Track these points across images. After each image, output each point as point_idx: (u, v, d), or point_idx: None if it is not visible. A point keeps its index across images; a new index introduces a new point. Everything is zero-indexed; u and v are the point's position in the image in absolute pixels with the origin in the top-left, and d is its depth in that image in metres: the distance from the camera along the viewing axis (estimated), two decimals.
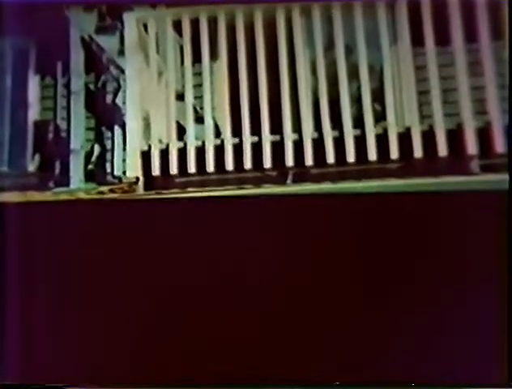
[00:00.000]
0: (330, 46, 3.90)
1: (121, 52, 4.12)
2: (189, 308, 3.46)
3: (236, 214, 3.49)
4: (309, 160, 3.78)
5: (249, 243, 3.49)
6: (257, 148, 3.83)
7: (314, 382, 3.31)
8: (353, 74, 3.85)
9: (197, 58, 4.06)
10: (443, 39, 3.85)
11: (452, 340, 3.34)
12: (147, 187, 3.89)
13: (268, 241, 3.50)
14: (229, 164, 3.83)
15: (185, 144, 3.91)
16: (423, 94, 3.81)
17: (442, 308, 3.38)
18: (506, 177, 3.43)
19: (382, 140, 3.75)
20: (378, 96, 3.81)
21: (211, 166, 3.85)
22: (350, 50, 3.88)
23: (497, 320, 3.23)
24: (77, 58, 4.19)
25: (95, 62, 4.20)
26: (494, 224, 3.32)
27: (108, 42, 4.18)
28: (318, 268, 3.46)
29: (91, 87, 4.18)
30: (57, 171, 4.02)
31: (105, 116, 4.07)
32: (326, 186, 3.68)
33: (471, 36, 3.81)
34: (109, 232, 3.59)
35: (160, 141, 3.95)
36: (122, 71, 4.11)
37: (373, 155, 3.73)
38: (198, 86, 4.02)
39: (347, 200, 3.51)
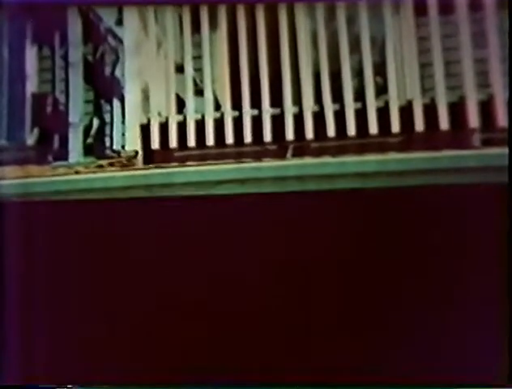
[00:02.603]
0: (331, 17, 4.02)
1: (120, 21, 4.25)
2: (188, 308, 3.58)
3: (235, 212, 3.61)
4: (309, 134, 3.94)
5: (248, 241, 3.61)
6: (257, 121, 3.99)
7: (314, 381, 3.44)
8: (355, 46, 3.98)
9: (196, 28, 4.19)
10: (447, 7, 3.95)
11: (452, 340, 3.44)
12: (146, 161, 4.06)
13: (268, 238, 3.62)
14: (229, 138, 4.00)
15: (185, 117, 4.07)
16: (425, 66, 3.93)
17: (442, 307, 3.48)
18: (506, 151, 3.54)
19: (383, 113, 3.89)
20: (380, 68, 3.95)
21: (210, 140, 4.01)
22: (351, 21, 4.00)
23: (497, 320, 3.33)
24: (74, 28, 4.32)
25: (92, 32, 4.33)
26: (494, 219, 3.41)
27: (105, 11, 4.29)
28: (319, 266, 3.58)
29: (90, 58, 4.31)
30: (55, 145, 4.19)
31: (104, 88, 4.22)
32: (326, 160, 3.83)
33: (475, 4, 3.91)
34: (109, 231, 3.72)
35: (160, 114, 4.11)
36: (121, 42, 4.24)
37: (373, 128, 3.88)
38: (198, 57, 4.16)
39: (346, 197, 3.62)
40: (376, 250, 3.61)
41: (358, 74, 3.97)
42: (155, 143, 4.07)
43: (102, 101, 4.22)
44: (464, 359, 3.41)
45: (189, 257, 3.69)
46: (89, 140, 4.17)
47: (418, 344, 3.49)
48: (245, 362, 3.50)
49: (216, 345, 3.60)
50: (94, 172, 4.06)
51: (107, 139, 4.14)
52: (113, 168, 4.05)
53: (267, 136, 3.96)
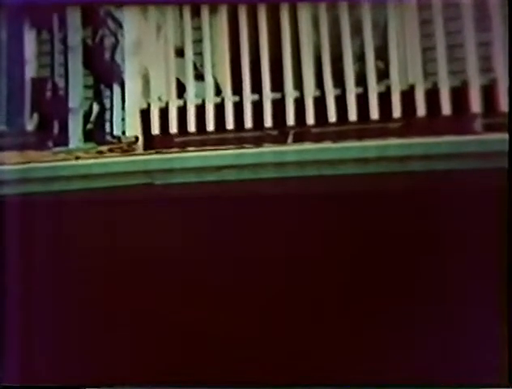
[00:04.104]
0: (332, 1, 4.10)
1: (119, 4, 4.33)
2: (189, 308, 3.66)
3: (234, 212, 3.68)
4: (310, 119, 4.04)
5: (248, 241, 3.68)
6: (257, 107, 4.09)
7: (313, 382, 3.52)
8: (356, 30, 4.06)
9: (196, 12, 4.28)
10: None
11: (452, 340, 3.52)
12: (146, 146, 4.17)
13: (267, 238, 3.69)
14: (229, 123, 4.10)
15: (185, 102, 4.17)
16: (427, 50, 4.01)
17: (442, 307, 3.55)
18: (506, 136, 3.61)
19: (385, 98, 3.98)
20: (382, 52, 4.03)
21: (210, 125, 4.12)
22: (353, 5, 4.07)
23: (497, 320, 3.39)
24: (73, 11, 4.40)
25: (92, 15, 4.41)
26: (495, 205, 3.47)
27: None
28: (318, 265, 3.66)
29: (89, 42, 4.40)
30: (55, 130, 4.29)
31: (104, 73, 4.32)
32: (327, 146, 3.92)
33: None
34: (109, 231, 3.80)
35: (160, 99, 4.22)
36: (120, 25, 4.33)
37: (375, 113, 3.97)
38: (198, 41, 4.25)
39: (346, 182, 3.69)
40: (375, 237, 3.69)
41: (360, 58, 4.05)
42: (156, 129, 4.17)
43: (102, 86, 4.31)
44: (465, 360, 3.48)
45: (188, 245, 3.78)
46: (89, 126, 4.27)
47: (418, 345, 3.56)
48: (245, 362, 3.59)
49: (216, 345, 3.67)
50: (94, 157, 4.16)
51: (107, 125, 4.24)
52: (114, 154, 4.15)
53: (268, 121, 4.06)
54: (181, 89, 4.22)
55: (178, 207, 3.84)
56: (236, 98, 4.12)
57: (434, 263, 3.63)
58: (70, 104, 4.28)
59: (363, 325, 3.64)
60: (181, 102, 4.19)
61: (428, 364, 3.53)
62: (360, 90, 4.02)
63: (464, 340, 3.51)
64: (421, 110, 3.95)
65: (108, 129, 4.23)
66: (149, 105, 4.21)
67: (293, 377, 3.56)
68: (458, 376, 3.43)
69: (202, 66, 4.21)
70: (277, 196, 3.75)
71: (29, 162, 4.15)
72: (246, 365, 3.54)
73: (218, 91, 4.17)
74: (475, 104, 3.89)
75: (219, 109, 4.13)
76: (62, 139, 4.25)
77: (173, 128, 4.16)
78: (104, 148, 4.19)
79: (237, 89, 4.12)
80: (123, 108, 4.21)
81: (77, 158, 4.17)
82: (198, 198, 3.78)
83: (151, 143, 4.18)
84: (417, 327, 3.57)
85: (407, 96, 3.97)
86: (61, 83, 4.36)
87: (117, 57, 4.29)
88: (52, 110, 4.32)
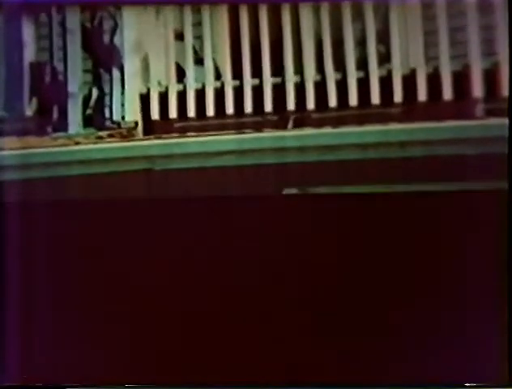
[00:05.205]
0: None
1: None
2: (188, 308, 3.69)
3: (233, 215, 3.71)
4: (310, 103, 4.07)
5: (247, 243, 3.72)
6: (257, 91, 4.12)
7: (313, 382, 3.55)
8: (357, 13, 4.07)
9: None
10: None
11: (452, 340, 3.52)
12: (146, 132, 4.20)
13: (266, 241, 3.72)
14: (229, 108, 4.13)
15: (185, 87, 4.20)
16: (429, 34, 4.02)
17: (442, 307, 3.56)
18: (506, 121, 3.63)
19: (386, 83, 4.01)
20: (383, 36, 4.05)
21: (210, 110, 4.15)
22: None
23: (497, 320, 3.41)
24: None
25: None
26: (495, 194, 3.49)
27: None
28: (317, 262, 3.69)
29: (88, 25, 4.42)
30: (54, 115, 4.32)
31: (103, 57, 4.34)
32: (327, 131, 3.96)
33: None
34: (110, 231, 3.83)
35: (159, 83, 4.24)
36: (119, 7, 4.34)
37: (376, 98, 4.00)
38: (198, 24, 4.26)
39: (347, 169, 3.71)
40: (373, 248, 3.71)
41: (360, 42, 4.07)
42: (155, 114, 4.20)
43: (101, 70, 4.34)
44: (464, 359, 3.50)
45: (189, 257, 3.80)
46: (88, 111, 4.30)
47: (418, 345, 3.57)
48: (245, 362, 3.62)
49: (215, 345, 3.71)
50: (94, 143, 4.20)
51: (106, 110, 4.27)
52: (113, 139, 4.19)
53: (268, 106, 4.09)
54: (180, 73, 4.24)
55: (177, 196, 3.88)
56: (236, 82, 4.15)
57: (433, 259, 3.65)
58: (70, 89, 4.31)
59: (363, 324, 3.67)
60: (180, 87, 4.21)
61: (428, 364, 3.57)
62: (361, 74, 4.04)
63: (464, 340, 3.54)
64: (422, 95, 3.97)
65: (107, 114, 4.27)
66: (148, 90, 4.24)
67: (293, 377, 3.60)
68: (458, 376, 3.45)
69: (201, 49, 4.23)
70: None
71: (28, 148, 4.18)
72: (246, 365, 3.58)
73: (218, 76, 4.20)
74: (477, 89, 3.92)
75: (219, 93, 4.16)
76: (62, 125, 4.28)
77: (173, 113, 4.19)
78: (103, 134, 4.22)
79: (237, 74, 4.15)
80: (122, 93, 4.24)
81: (76, 143, 4.21)
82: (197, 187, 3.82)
83: (150, 128, 4.21)
84: (417, 326, 3.60)
85: (409, 81, 3.99)
86: (60, 67, 4.38)
87: (116, 41, 4.30)
88: (51, 95, 4.35)
